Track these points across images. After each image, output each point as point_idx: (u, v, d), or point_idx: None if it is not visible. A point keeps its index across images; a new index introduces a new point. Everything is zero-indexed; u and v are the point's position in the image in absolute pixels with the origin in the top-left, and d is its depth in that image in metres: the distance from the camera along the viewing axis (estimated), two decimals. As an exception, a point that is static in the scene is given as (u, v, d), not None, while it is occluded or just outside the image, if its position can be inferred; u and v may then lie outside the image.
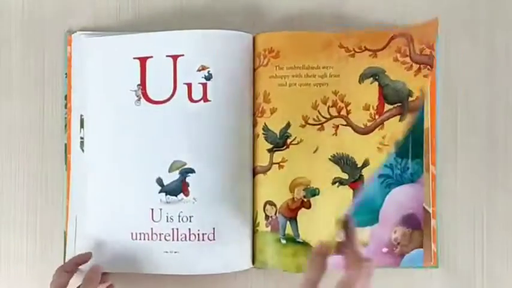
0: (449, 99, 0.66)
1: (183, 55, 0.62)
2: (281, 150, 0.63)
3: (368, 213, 0.63)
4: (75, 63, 0.63)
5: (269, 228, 0.63)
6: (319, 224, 0.62)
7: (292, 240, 0.63)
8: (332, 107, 0.63)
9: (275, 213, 0.63)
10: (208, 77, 0.61)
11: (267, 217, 0.63)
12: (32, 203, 0.65)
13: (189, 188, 0.61)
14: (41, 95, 0.65)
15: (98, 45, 0.63)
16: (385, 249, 0.63)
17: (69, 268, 0.59)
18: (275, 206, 0.63)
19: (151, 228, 0.61)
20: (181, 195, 0.61)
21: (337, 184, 0.63)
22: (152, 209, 0.61)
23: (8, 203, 0.65)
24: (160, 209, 0.61)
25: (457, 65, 0.66)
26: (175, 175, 0.61)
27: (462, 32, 0.66)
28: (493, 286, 0.65)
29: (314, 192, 0.63)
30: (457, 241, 0.65)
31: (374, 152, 0.63)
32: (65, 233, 0.63)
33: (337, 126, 0.63)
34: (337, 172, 0.63)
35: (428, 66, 0.63)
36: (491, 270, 0.65)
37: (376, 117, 0.63)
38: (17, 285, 0.64)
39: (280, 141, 0.63)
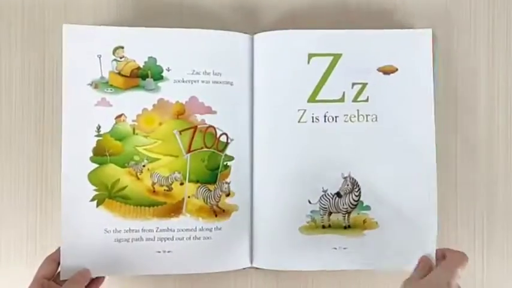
0: (449, 99, 0.66)
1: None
2: None
3: None
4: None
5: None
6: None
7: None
8: None
9: None
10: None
11: None
12: (32, 203, 0.65)
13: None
14: (41, 95, 0.65)
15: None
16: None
17: (58, 257, 0.58)
18: None
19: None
20: None
21: None
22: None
23: (8, 203, 0.65)
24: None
25: (457, 64, 0.66)
26: None
27: (462, 29, 0.66)
28: (493, 286, 0.65)
29: None
30: (457, 241, 0.65)
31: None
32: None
33: None
34: None
35: None
36: (491, 270, 0.65)
37: None
38: (17, 285, 0.64)
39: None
